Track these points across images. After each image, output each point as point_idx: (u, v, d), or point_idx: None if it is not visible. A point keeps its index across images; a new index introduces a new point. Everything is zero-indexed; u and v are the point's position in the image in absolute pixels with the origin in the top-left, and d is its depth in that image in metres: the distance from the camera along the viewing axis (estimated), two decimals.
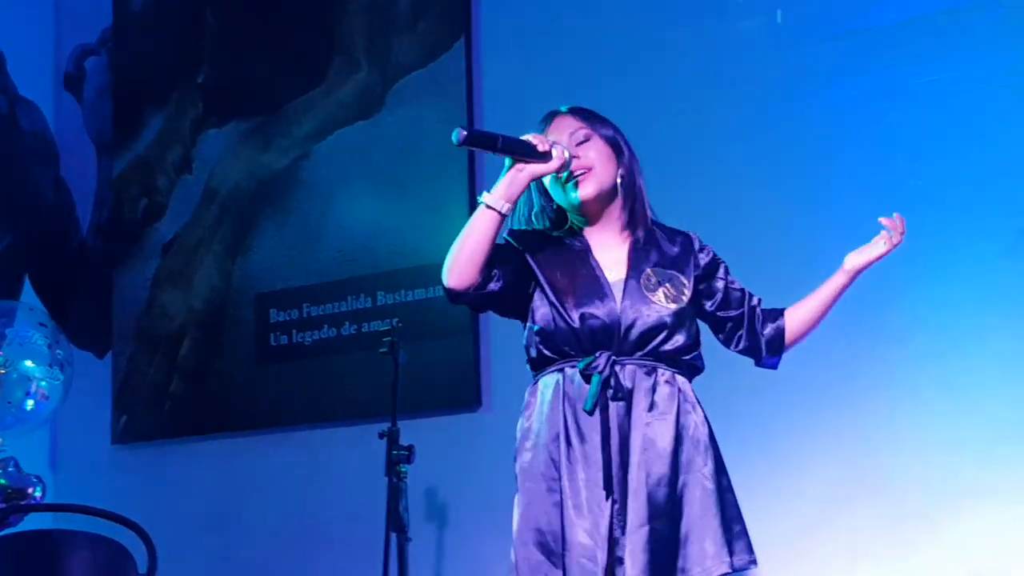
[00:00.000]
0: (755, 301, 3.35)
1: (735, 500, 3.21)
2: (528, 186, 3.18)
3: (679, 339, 3.21)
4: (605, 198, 3.26)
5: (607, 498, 3.12)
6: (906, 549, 4.16)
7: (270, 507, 5.28)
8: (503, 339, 4.89)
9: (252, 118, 5.60)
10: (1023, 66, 4.22)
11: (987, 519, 4.07)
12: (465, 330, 4.94)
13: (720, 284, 3.32)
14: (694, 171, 4.54)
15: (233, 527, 5.36)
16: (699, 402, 3.22)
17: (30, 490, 4.69)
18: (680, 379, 3.21)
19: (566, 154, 3.17)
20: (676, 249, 3.30)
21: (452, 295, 3.22)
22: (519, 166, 3.14)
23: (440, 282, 5.05)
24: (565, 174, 3.21)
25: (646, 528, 3.11)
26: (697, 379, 3.26)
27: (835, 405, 4.29)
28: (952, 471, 4.13)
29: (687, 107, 4.67)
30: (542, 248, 3.27)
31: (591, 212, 3.27)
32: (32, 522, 4.78)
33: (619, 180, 3.27)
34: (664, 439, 3.16)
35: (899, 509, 4.18)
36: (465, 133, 3.07)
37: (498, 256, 3.20)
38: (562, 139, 3.22)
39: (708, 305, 3.32)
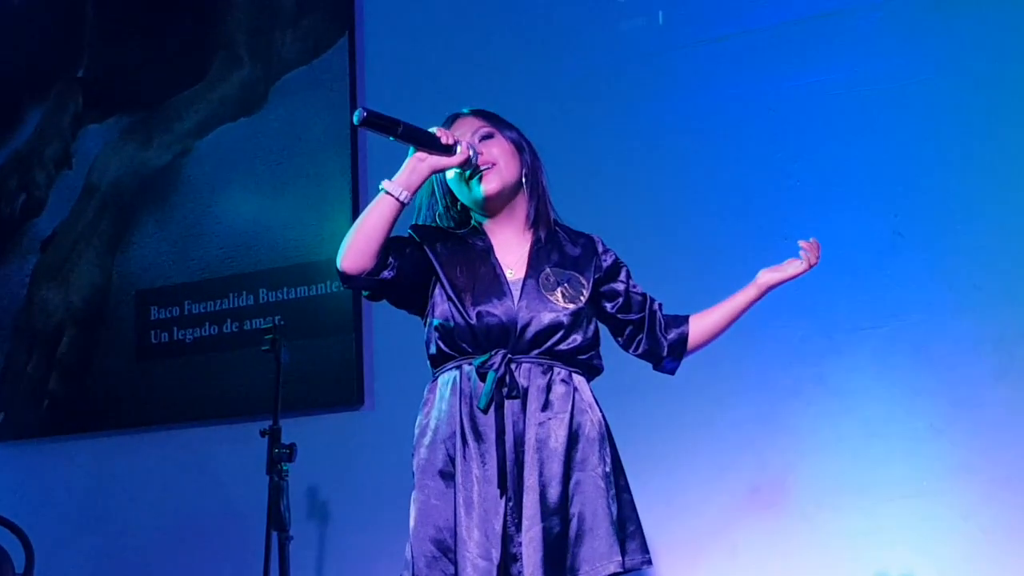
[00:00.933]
0: (656, 305, 3.37)
1: (631, 500, 3.23)
2: (428, 177, 3.18)
3: (576, 339, 3.23)
4: (508, 195, 3.28)
5: (501, 496, 3.14)
6: (785, 545, 4.23)
7: (150, 506, 5.24)
8: (386, 338, 4.90)
9: (133, 113, 5.55)
10: (899, 69, 4.31)
11: (863, 514, 4.15)
12: (348, 328, 4.94)
13: (621, 287, 3.34)
14: (572, 171, 4.58)
15: (113, 526, 5.31)
16: (597, 402, 3.24)
17: None
18: (577, 378, 3.23)
19: (471, 150, 3.19)
20: (578, 250, 3.33)
21: (344, 278, 3.20)
22: (421, 155, 3.14)
23: (326, 278, 5.10)
24: (469, 171, 3.23)
25: (539, 527, 3.12)
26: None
27: (715, 403, 4.35)
28: (830, 468, 4.22)
29: (568, 106, 4.70)
30: (444, 245, 3.29)
31: (494, 209, 3.29)
32: None
33: (523, 178, 3.29)
34: (558, 438, 3.18)
35: (778, 506, 4.25)
36: (366, 114, 3.06)
37: (396, 247, 3.22)
38: (465, 137, 3.23)
39: (609, 307, 3.35)
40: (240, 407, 5.02)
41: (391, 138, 3.10)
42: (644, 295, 3.37)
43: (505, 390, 3.18)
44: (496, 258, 3.28)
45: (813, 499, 4.22)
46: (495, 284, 3.24)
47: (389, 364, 4.90)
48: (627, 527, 3.21)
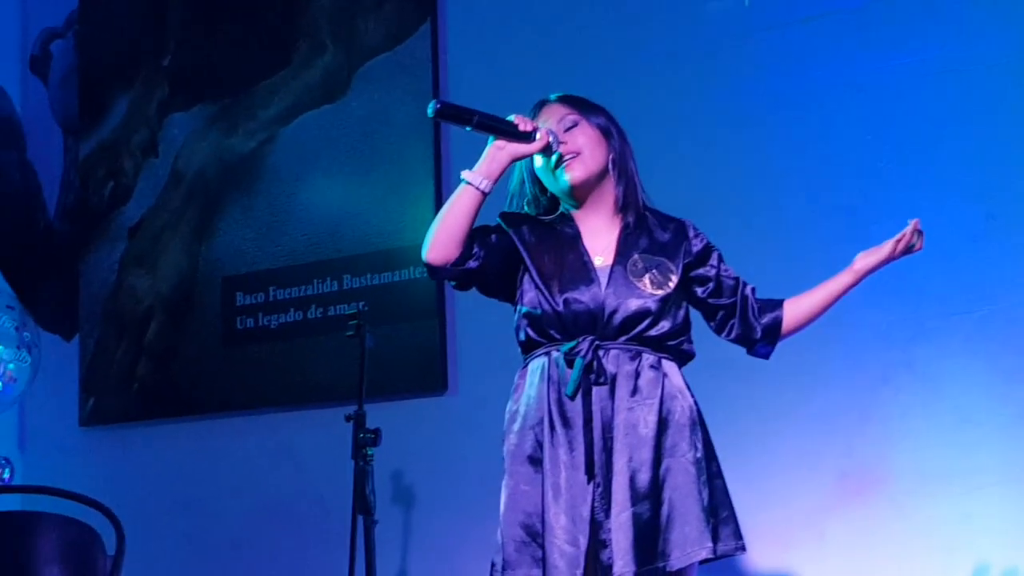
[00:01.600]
0: (748, 290, 3.35)
1: (724, 486, 3.23)
2: (508, 165, 3.19)
3: (664, 325, 3.22)
4: (594, 182, 3.28)
5: (588, 481, 3.15)
6: (875, 533, 4.18)
7: (237, 490, 5.28)
8: (469, 323, 4.90)
9: (218, 101, 5.59)
10: (991, 50, 4.23)
11: (954, 502, 4.10)
12: (432, 314, 4.94)
13: (712, 272, 3.32)
14: (658, 155, 4.55)
15: (200, 509, 5.36)
16: (689, 388, 3.24)
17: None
18: (667, 364, 3.23)
19: (551, 136, 3.20)
20: (667, 236, 3.31)
21: (431, 270, 3.24)
22: (499, 144, 3.17)
23: (410, 264, 5.10)
24: (554, 159, 3.24)
25: (629, 512, 3.13)
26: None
27: (803, 389, 4.31)
28: (920, 455, 4.16)
29: (653, 89, 4.67)
30: (532, 233, 3.30)
31: (581, 197, 3.29)
32: (0, 503, 4.77)
33: (610, 164, 3.28)
34: (647, 423, 3.18)
35: (867, 493, 4.21)
36: (440, 106, 3.08)
37: (482, 236, 3.25)
38: (551, 126, 3.24)
39: (700, 292, 3.33)
40: (325, 392, 5.04)
41: (468, 128, 3.10)
42: (737, 279, 3.35)
43: (592, 376, 3.18)
44: (584, 245, 3.28)
45: (903, 487, 4.17)
46: (582, 271, 3.24)
47: (472, 349, 4.89)
48: (720, 513, 3.19)
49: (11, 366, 5.01)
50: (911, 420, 4.19)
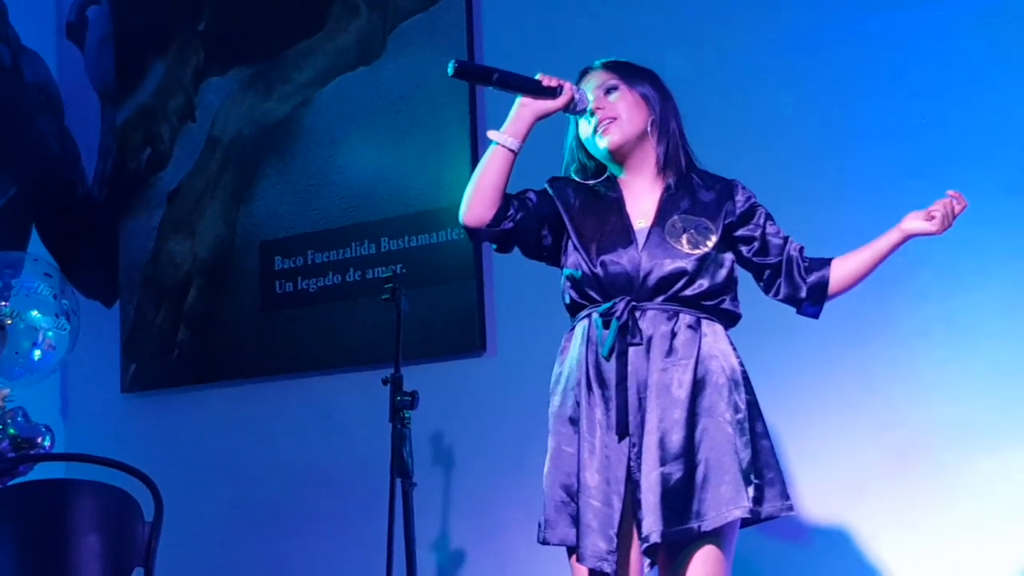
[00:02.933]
0: (795, 249, 3.34)
1: (771, 446, 3.22)
2: (534, 122, 3.21)
3: (702, 284, 3.22)
4: (633, 146, 3.30)
5: (620, 441, 3.17)
6: (911, 488, 4.17)
7: (276, 453, 5.31)
8: (508, 284, 4.89)
9: (253, 65, 5.58)
10: None
11: (992, 456, 4.07)
12: (470, 275, 4.94)
13: (757, 231, 3.32)
14: (701, 113, 4.53)
15: (240, 473, 5.39)
16: (734, 348, 3.24)
17: (39, 439, 4.71)
18: (707, 324, 3.23)
19: (576, 91, 3.22)
20: (711, 196, 3.31)
21: (469, 232, 3.30)
22: (524, 101, 3.20)
23: (447, 226, 5.11)
24: (592, 124, 3.26)
25: (657, 472, 3.13)
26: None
27: (839, 344, 4.27)
28: (957, 409, 4.13)
29: (692, 49, 4.62)
30: (578, 196, 3.33)
31: (622, 161, 3.31)
32: (43, 471, 4.81)
33: (649, 127, 3.29)
34: (681, 383, 3.18)
35: (904, 448, 4.18)
36: (459, 64, 3.12)
37: (522, 198, 3.30)
38: (592, 93, 3.27)
39: (745, 251, 3.33)
40: (364, 355, 5.05)
41: (489, 87, 3.09)
42: (785, 239, 3.33)
43: (628, 337, 3.19)
44: (627, 208, 3.30)
45: (942, 441, 4.15)
46: (623, 234, 3.26)
47: (511, 310, 4.89)
48: (765, 474, 3.19)
49: (50, 334, 5.04)
50: (949, 374, 4.16)
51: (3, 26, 5.98)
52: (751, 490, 3.15)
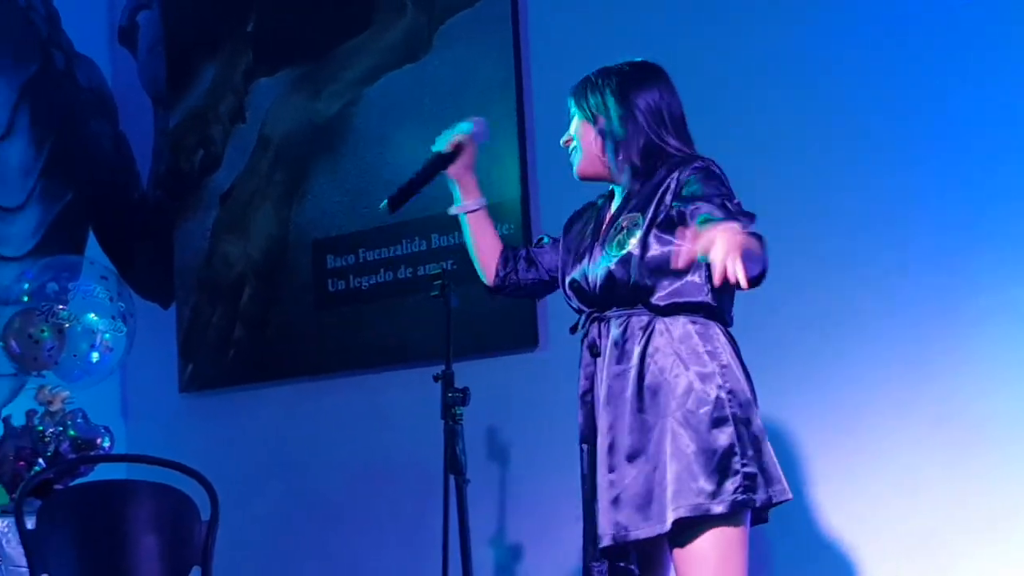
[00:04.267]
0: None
1: (752, 434, 3.14)
2: (471, 176, 3.52)
3: (631, 283, 3.20)
4: (600, 165, 3.34)
5: (584, 452, 3.30)
6: (970, 481, 4.11)
7: (331, 451, 5.34)
8: None
9: (302, 65, 5.61)
10: None
11: None
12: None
13: (672, 211, 3.17)
14: (737, 94, 4.52)
15: (295, 470, 5.43)
16: (711, 339, 3.17)
17: (99, 440, 4.77)
18: (663, 324, 3.19)
19: (471, 132, 3.50)
20: (652, 185, 3.25)
21: (489, 292, 3.57)
22: (450, 172, 3.51)
23: (496, 221, 5.13)
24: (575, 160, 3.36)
25: (606, 478, 3.18)
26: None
27: (896, 335, 4.24)
28: (1018, 400, 4.07)
29: (735, 38, 4.60)
30: (581, 220, 3.44)
31: (599, 178, 3.37)
32: (103, 471, 4.87)
33: (593, 145, 3.34)
34: (629, 389, 3.18)
35: (962, 439, 4.13)
36: (388, 203, 3.48)
37: (534, 251, 3.50)
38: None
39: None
40: (417, 352, 5.07)
41: (418, 191, 3.47)
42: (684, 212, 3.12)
43: (588, 349, 3.30)
44: (607, 218, 3.34)
45: (1000, 433, 4.09)
46: (587, 249, 3.33)
47: (563, 304, 4.86)
48: (732, 465, 3.10)
49: (107, 336, 5.09)
50: (1008, 364, 4.10)
51: (57, 33, 6.04)
52: (730, 483, 3.08)
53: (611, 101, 3.31)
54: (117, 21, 6.25)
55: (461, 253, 5.04)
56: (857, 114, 4.38)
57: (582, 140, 3.35)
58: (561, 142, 3.39)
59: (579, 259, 3.33)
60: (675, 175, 3.21)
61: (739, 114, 4.48)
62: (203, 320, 5.79)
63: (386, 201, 3.45)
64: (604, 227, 3.32)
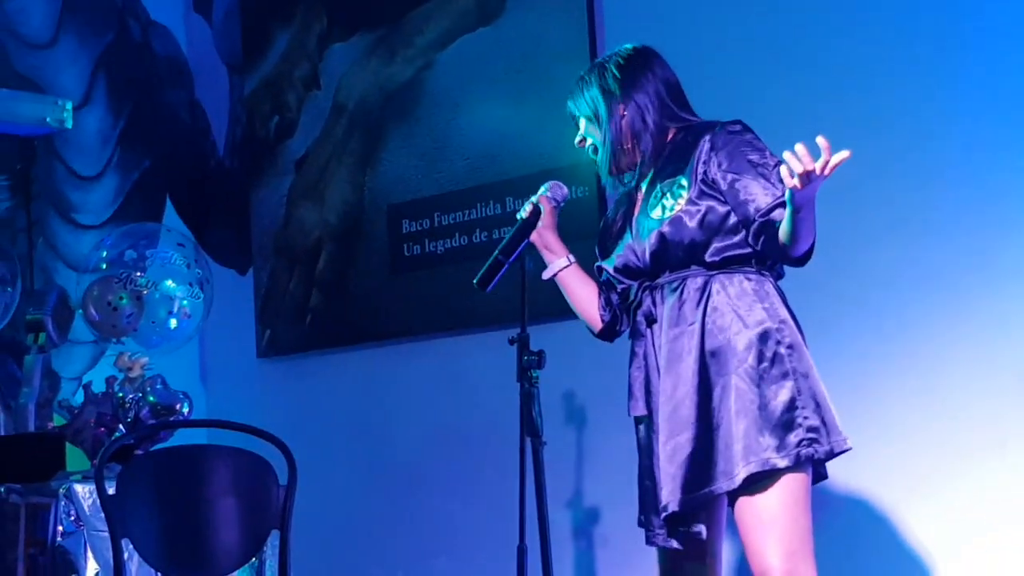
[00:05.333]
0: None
1: (811, 388, 3.16)
2: (554, 236, 3.50)
3: (685, 242, 3.23)
4: (623, 155, 3.39)
5: (630, 415, 3.40)
6: None
7: (407, 414, 5.36)
8: None
9: (375, 30, 5.61)
10: None
11: None
12: (594, 232, 4.89)
13: (711, 172, 3.25)
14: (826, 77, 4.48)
15: (372, 434, 5.46)
16: (765, 295, 3.21)
17: (178, 406, 4.81)
18: (719, 281, 3.22)
19: (550, 196, 3.50)
20: (684, 149, 3.31)
21: (599, 337, 3.60)
22: (534, 239, 3.50)
23: (571, 184, 5.13)
24: (600, 161, 3.41)
25: (671, 443, 3.21)
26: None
27: (975, 290, 4.17)
28: None
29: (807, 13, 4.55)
30: (607, 225, 3.53)
31: (629, 168, 3.40)
32: (183, 437, 4.92)
33: (605, 136, 3.39)
34: (690, 351, 3.18)
35: None
36: (479, 283, 3.48)
37: (607, 284, 3.50)
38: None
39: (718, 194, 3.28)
40: (494, 315, 5.05)
41: (506, 264, 3.45)
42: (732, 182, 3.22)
43: (641, 318, 3.33)
44: (636, 199, 3.40)
45: None
46: (624, 227, 3.40)
47: None
48: (795, 418, 3.13)
49: (185, 302, 5.13)
50: None
51: (132, 2, 6.09)
52: (793, 436, 3.11)
53: (614, 88, 3.37)
54: None
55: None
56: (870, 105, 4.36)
57: (596, 136, 3.41)
58: (575, 143, 3.46)
59: (619, 238, 3.38)
60: (705, 140, 3.26)
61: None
62: (280, 286, 5.83)
63: (476, 280, 3.47)
64: (641, 200, 3.35)
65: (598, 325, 3.53)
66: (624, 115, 3.35)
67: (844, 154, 2.94)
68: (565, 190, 3.55)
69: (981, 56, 4.18)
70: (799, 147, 2.96)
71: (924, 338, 4.22)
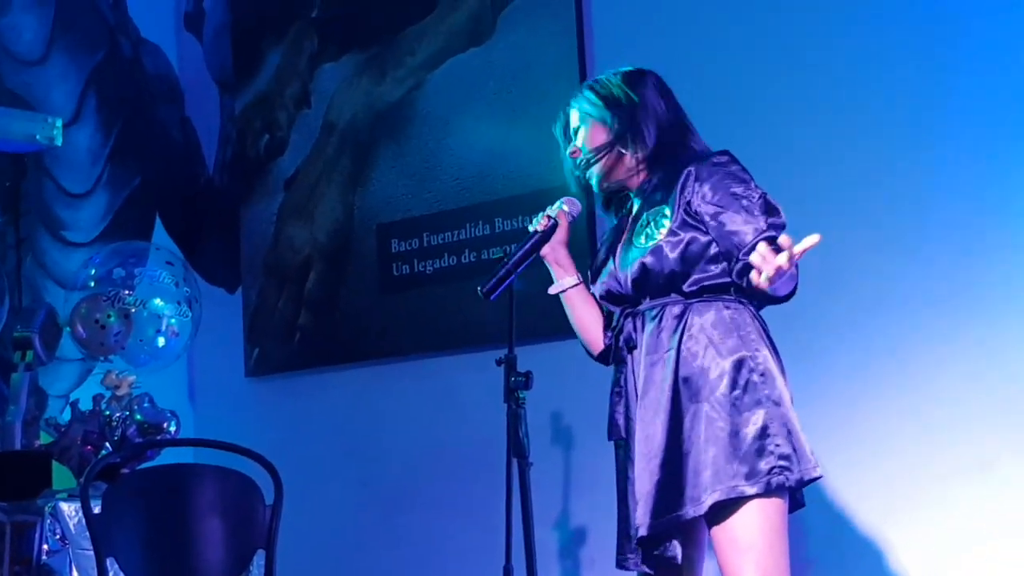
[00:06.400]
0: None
1: (780, 413, 3.17)
2: (567, 253, 3.46)
3: (663, 271, 3.24)
4: (618, 169, 3.39)
5: (610, 440, 3.41)
6: None
7: (395, 434, 5.36)
8: None
9: (366, 50, 5.62)
10: None
11: None
12: (585, 253, 4.89)
13: (692, 204, 3.26)
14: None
15: (360, 453, 5.46)
16: (741, 323, 3.21)
17: (165, 424, 4.80)
18: (697, 309, 3.24)
19: (556, 208, 3.45)
20: (670, 176, 3.31)
21: (597, 360, 3.55)
22: (544, 253, 3.44)
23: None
24: (586, 175, 3.42)
25: (645, 468, 3.22)
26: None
27: (958, 315, 4.19)
28: None
29: (797, 26, 4.56)
30: (603, 246, 3.51)
31: (622, 184, 3.40)
32: (170, 456, 4.90)
33: (616, 147, 3.38)
34: (664, 378, 3.20)
35: None
36: (485, 291, 3.43)
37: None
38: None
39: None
40: (480, 336, 5.06)
41: (514, 274, 3.40)
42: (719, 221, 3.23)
43: (621, 344, 3.35)
44: (625, 224, 3.41)
45: None
46: (609, 254, 3.40)
47: None
48: (766, 446, 3.13)
49: (173, 321, 5.12)
50: None
51: (123, 19, 6.09)
52: (764, 464, 3.12)
53: (621, 100, 3.36)
54: (183, 7, 6.29)
55: (523, 237, 5.06)
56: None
57: (592, 148, 3.39)
58: (568, 153, 3.44)
59: (604, 265, 3.40)
60: (691, 170, 3.26)
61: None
62: (269, 305, 5.82)
63: (480, 289, 3.43)
64: (627, 229, 3.37)
65: (598, 347, 3.51)
66: (623, 124, 3.36)
67: (812, 240, 2.96)
68: (579, 207, 3.51)
69: (974, 70, 4.18)
70: (762, 247, 3.00)
71: (911, 359, 4.23)
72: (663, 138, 3.36)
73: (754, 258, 3.00)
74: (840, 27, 4.47)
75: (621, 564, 3.36)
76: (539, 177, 5.03)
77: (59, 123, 5.52)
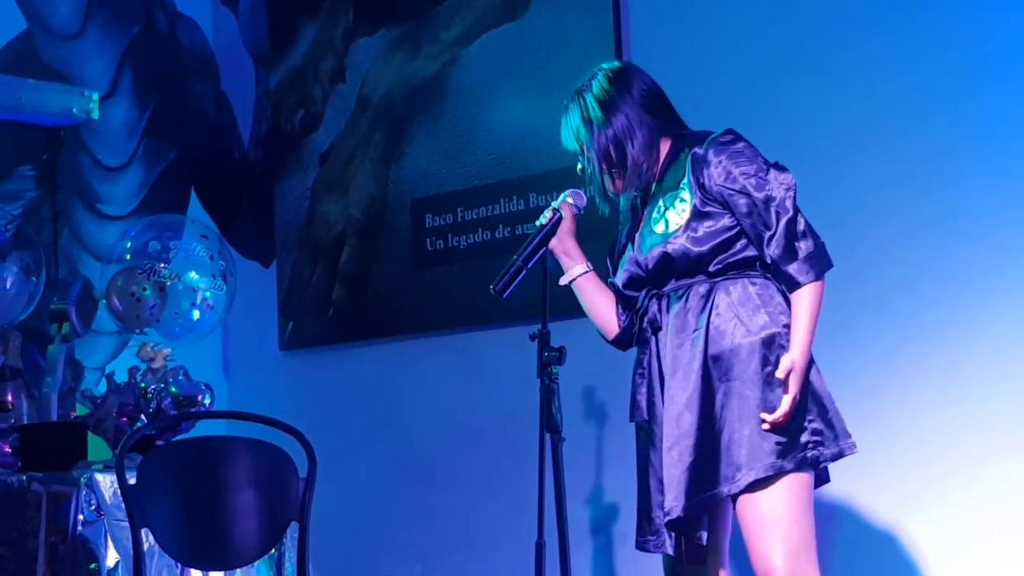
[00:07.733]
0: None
1: (816, 391, 3.21)
2: (575, 243, 3.52)
3: (688, 253, 3.28)
4: (621, 177, 3.45)
5: (631, 421, 3.45)
6: None
7: (428, 408, 5.37)
8: None
9: (401, 24, 5.61)
10: None
11: None
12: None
13: (707, 182, 3.32)
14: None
15: (393, 428, 5.48)
16: (768, 301, 3.22)
17: (199, 397, 4.82)
18: (723, 289, 3.26)
19: (572, 203, 3.52)
20: (681, 161, 3.36)
21: (613, 344, 3.60)
22: (552, 244, 3.50)
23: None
24: (594, 188, 3.48)
25: (675, 449, 3.24)
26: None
27: (1003, 291, 4.16)
28: None
29: (835, 25, 4.53)
30: (625, 234, 3.54)
31: (632, 187, 3.47)
32: (205, 428, 4.93)
33: (601, 159, 3.44)
34: (694, 357, 3.21)
35: None
36: (498, 289, 3.47)
37: (624, 298, 3.51)
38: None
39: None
40: (516, 311, 5.04)
41: (524, 269, 3.45)
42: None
43: (646, 325, 3.38)
44: (640, 215, 3.46)
45: None
46: (629, 241, 3.46)
47: None
48: (800, 422, 3.18)
49: (208, 294, 5.14)
50: None
51: None
52: (799, 440, 3.16)
53: (592, 116, 3.42)
54: None
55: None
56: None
57: (592, 163, 3.45)
58: (578, 170, 3.50)
59: (624, 253, 3.44)
60: (699, 152, 3.31)
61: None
62: (303, 279, 5.84)
63: (494, 287, 3.47)
64: (643, 217, 3.42)
65: (613, 331, 3.54)
66: (605, 141, 3.40)
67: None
68: (585, 198, 3.57)
69: (1004, 58, 4.16)
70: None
71: (944, 341, 4.21)
72: (650, 137, 3.39)
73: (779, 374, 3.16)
74: (875, 23, 4.44)
75: (641, 546, 3.37)
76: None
77: (95, 97, 5.55)
